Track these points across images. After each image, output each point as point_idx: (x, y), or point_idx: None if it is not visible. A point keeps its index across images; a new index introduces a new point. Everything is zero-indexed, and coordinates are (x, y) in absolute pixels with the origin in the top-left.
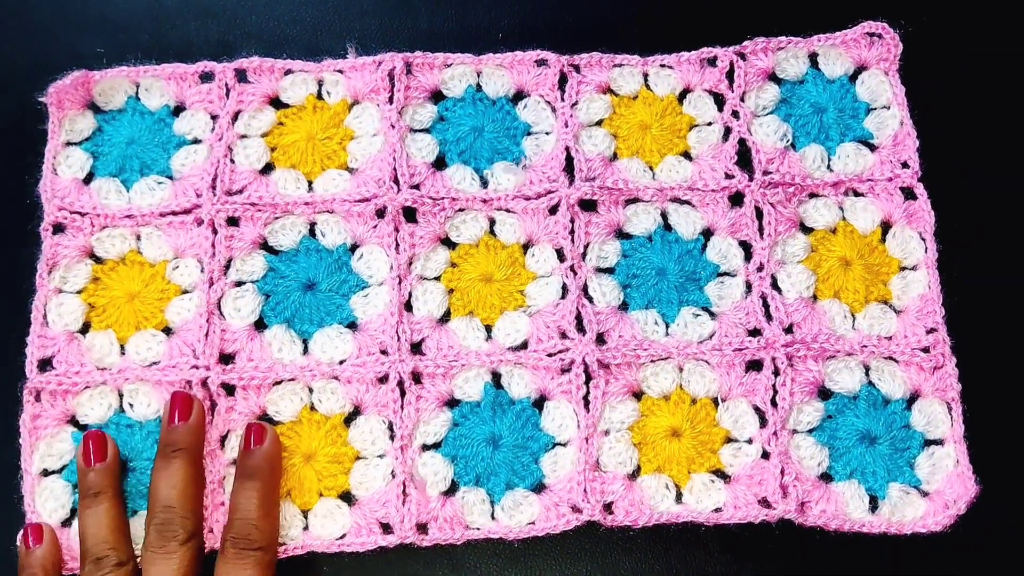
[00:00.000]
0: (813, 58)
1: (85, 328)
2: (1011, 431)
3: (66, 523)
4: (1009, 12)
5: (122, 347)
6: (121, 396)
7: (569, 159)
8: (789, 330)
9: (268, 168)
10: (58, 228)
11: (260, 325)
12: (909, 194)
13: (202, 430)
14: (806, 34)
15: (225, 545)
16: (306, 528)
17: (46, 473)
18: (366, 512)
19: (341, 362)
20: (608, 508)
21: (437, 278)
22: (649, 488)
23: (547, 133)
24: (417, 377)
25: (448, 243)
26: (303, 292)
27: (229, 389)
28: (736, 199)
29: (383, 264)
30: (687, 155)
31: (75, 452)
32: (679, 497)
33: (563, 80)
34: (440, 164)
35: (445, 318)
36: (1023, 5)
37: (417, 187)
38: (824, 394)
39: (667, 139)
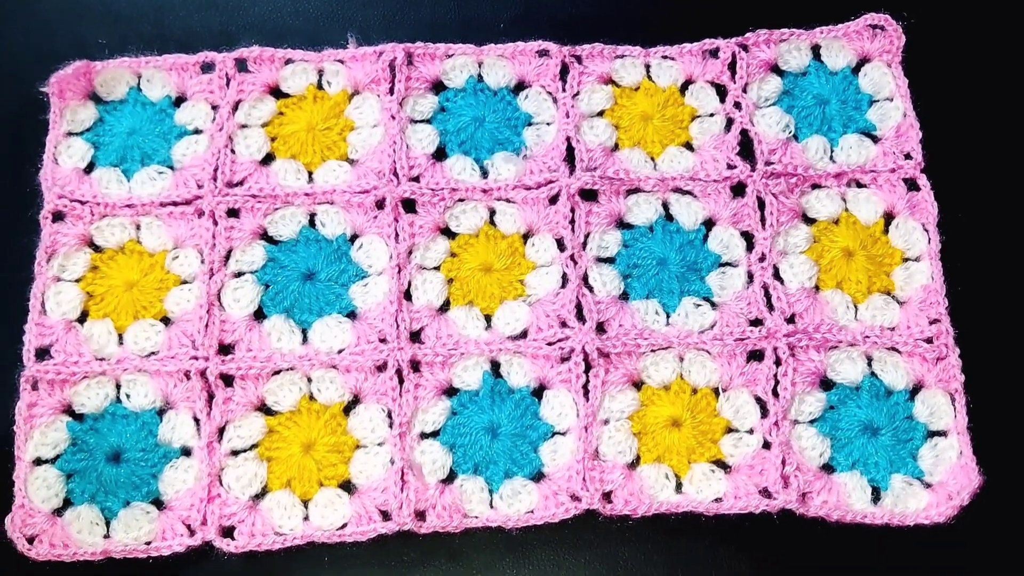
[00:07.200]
0: (816, 50)
1: (83, 317)
2: (1015, 422)
3: (58, 512)
4: (1011, 4)
5: (120, 336)
6: (119, 386)
7: (570, 149)
8: (791, 320)
9: (268, 158)
10: (58, 216)
11: (259, 315)
12: (912, 185)
13: None
14: (809, 26)
15: None
16: (307, 518)
17: (39, 462)
18: (366, 500)
19: (340, 351)
20: (607, 497)
21: (437, 268)
22: (649, 477)
23: (548, 123)
24: (416, 365)
25: (448, 233)
26: (302, 282)
27: (227, 380)
28: (738, 189)
29: (383, 254)
30: (689, 146)
31: (69, 441)
32: (679, 487)
33: (565, 71)
34: (440, 154)
35: (445, 307)
36: None
37: (417, 179)
38: (826, 385)
39: (669, 130)
